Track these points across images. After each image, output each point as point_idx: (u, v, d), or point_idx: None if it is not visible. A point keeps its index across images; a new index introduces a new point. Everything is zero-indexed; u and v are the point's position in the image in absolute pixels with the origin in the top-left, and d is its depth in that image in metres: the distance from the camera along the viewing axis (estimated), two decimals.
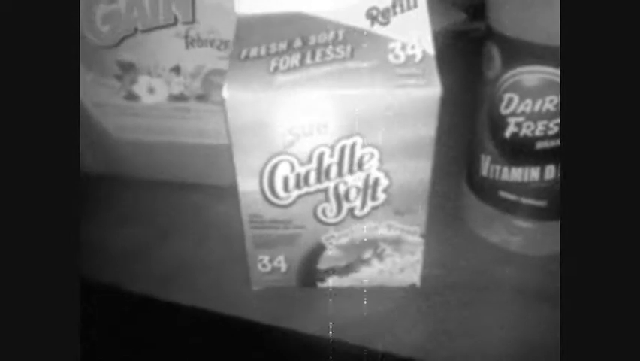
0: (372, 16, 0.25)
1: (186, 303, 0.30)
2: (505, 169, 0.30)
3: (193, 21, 0.32)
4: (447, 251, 0.33)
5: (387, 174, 0.26)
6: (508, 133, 0.29)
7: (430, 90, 0.24)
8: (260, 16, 0.27)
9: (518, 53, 0.27)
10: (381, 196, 0.26)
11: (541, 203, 0.30)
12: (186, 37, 0.32)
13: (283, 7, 0.27)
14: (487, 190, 0.32)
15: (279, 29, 0.26)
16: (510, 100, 0.28)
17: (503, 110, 0.29)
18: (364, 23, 0.26)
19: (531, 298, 0.30)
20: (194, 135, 0.36)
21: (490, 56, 0.29)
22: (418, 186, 0.26)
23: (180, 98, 0.34)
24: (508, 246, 0.33)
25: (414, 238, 0.28)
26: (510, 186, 0.31)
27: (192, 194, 0.38)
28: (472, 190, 0.34)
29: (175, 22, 0.32)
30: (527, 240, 0.32)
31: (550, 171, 0.29)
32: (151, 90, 0.34)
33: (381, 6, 0.25)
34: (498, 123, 0.29)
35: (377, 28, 0.25)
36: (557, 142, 0.28)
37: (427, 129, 0.25)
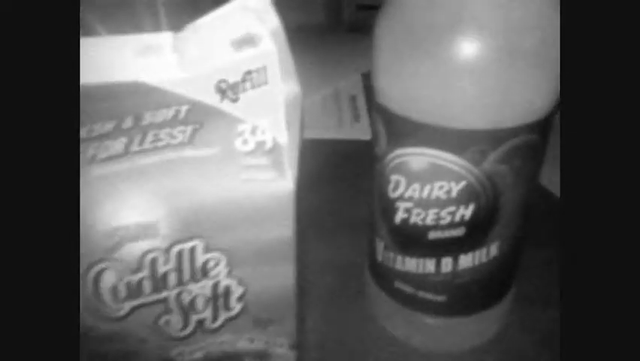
0: (221, 90, 0.21)
1: None
2: (399, 258, 0.26)
3: None
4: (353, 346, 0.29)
5: (240, 281, 0.21)
6: (398, 219, 0.25)
7: (281, 185, 0.19)
8: (97, 87, 0.22)
9: (403, 131, 0.23)
10: (237, 306, 0.22)
11: (440, 298, 0.26)
12: None
13: (124, 74, 0.22)
14: (384, 278, 0.28)
15: (111, 104, 0.21)
16: (397, 183, 0.24)
17: (391, 194, 0.25)
18: (213, 98, 0.21)
19: None
20: None
21: (375, 130, 0.25)
22: (281, 294, 0.22)
23: None
24: (410, 341, 0.29)
25: (282, 350, 0.23)
26: (405, 276, 0.27)
27: None
28: (372, 277, 0.29)
29: None
30: (429, 336, 0.28)
31: (447, 264, 0.25)
32: None
33: (231, 79, 0.21)
34: (388, 207, 0.25)
35: (226, 106, 0.21)
36: (452, 232, 0.24)
37: (283, 230, 0.20)
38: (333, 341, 0.29)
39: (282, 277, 0.21)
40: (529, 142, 0.22)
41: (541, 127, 0.22)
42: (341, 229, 0.36)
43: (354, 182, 0.41)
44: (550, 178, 0.43)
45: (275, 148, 0.20)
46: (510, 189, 0.23)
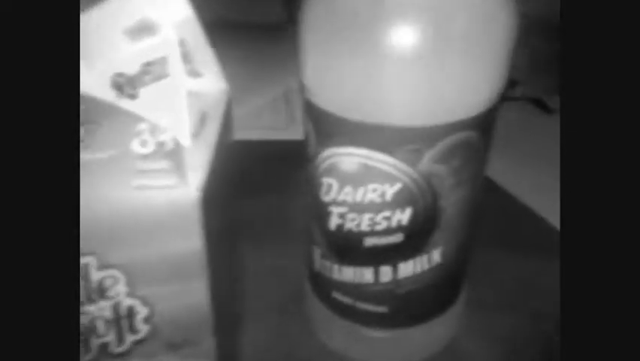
0: (118, 85, 0.19)
1: None
2: (336, 267, 0.24)
3: None
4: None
5: (145, 301, 0.19)
6: (332, 225, 0.23)
7: (182, 193, 0.17)
8: None
9: (332, 130, 0.21)
10: (144, 328, 0.19)
11: (381, 309, 0.24)
12: None
13: None
14: (321, 288, 0.26)
15: None
16: (329, 186, 0.22)
17: (324, 197, 0.23)
18: (109, 95, 0.19)
19: None
20: None
21: (306, 129, 0.23)
22: (195, 313, 0.19)
23: None
24: (350, 354, 0.27)
25: None
26: (343, 286, 0.24)
27: None
28: (310, 285, 0.27)
29: None
30: (372, 350, 0.26)
31: (386, 273, 0.23)
32: None
33: (129, 72, 0.18)
34: (321, 212, 0.23)
35: (124, 102, 0.18)
36: (389, 239, 0.22)
37: (189, 243, 0.18)
38: (272, 354, 0.27)
39: (194, 294, 0.19)
40: (468, 140, 0.20)
41: (480, 123, 0.20)
42: (288, 236, 0.34)
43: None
44: (503, 171, 0.41)
45: (176, 150, 0.17)
46: (450, 192, 0.21)
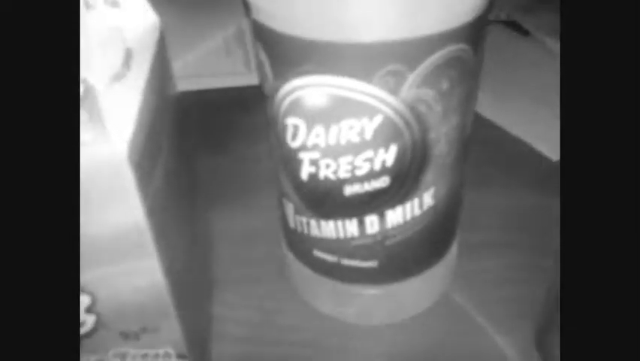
0: None
1: None
2: (313, 222, 0.21)
3: None
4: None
5: (83, 288, 0.15)
6: (304, 174, 0.19)
7: (105, 150, 0.13)
8: None
9: (290, 56, 0.17)
10: (89, 319, 0.16)
11: (370, 264, 0.21)
12: None
13: None
14: (300, 247, 0.23)
15: None
16: (295, 128, 0.18)
17: (291, 143, 0.19)
18: None
19: None
20: None
21: (259, 61, 0.19)
22: (150, 296, 0.16)
23: None
24: (342, 317, 0.24)
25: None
26: (325, 244, 0.21)
27: None
28: (287, 245, 0.24)
29: None
30: (362, 309, 0.23)
31: (373, 224, 0.20)
32: None
33: None
34: (290, 160, 0.20)
35: None
36: (373, 184, 0.19)
37: (126, 213, 0.14)
38: (251, 325, 0.24)
39: (145, 275, 0.15)
40: (458, 55, 0.17)
41: (471, 34, 0.17)
42: (259, 193, 0.30)
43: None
44: (493, 107, 0.38)
45: (88, 96, 0.13)
46: (441, 121, 0.18)
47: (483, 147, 0.32)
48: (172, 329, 0.17)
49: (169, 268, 0.16)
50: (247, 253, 0.27)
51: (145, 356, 0.17)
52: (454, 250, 0.24)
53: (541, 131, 0.36)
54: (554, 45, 0.46)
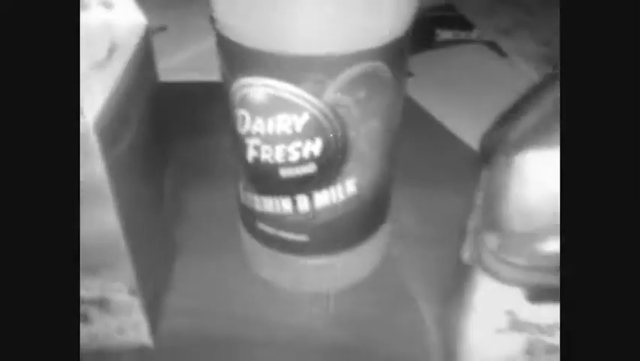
0: None
1: None
2: (257, 198, 0.25)
3: None
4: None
5: None
6: (249, 157, 0.24)
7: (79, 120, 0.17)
8: None
9: (239, 61, 0.21)
10: None
11: (302, 237, 0.25)
12: None
13: None
14: (247, 219, 0.27)
15: None
16: (243, 118, 0.23)
17: (240, 129, 0.23)
18: None
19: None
20: None
21: (220, 62, 0.23)
22: (106, 238, 0.20)
23: None
24: (278, 283, 0.28)
25: (121, 296, 0.22)
26: (265, 217, 0.25)
27: None
28: (241, 219, 0.28)
29: None
30: (298, 277, 0.27)
31: (304, 203, 0.24)
32: None
33: None
34: (239, 144, 0.24)
35: None
36: (303, 169, 0.23)
37: (93, 168, 0.18)
38: (202, 285, 0.28)
39: (102, 220, 0.20)
40: (374, 71, 0.21)
41: (386, 54, 0.21)
42: (222, 175, 0.35)
43: None
44: (453, 113, 0.42)
45: None
46: (359, 123, 0.22)
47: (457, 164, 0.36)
48: (126, 268, 0.21)
49: (125, 216, 0.20)
50: (207, 229, 0.31)
51: (102, 288, 0.22)
52: (384, 230, 0.28)
53: None
54: (529, 69, 0.49)
